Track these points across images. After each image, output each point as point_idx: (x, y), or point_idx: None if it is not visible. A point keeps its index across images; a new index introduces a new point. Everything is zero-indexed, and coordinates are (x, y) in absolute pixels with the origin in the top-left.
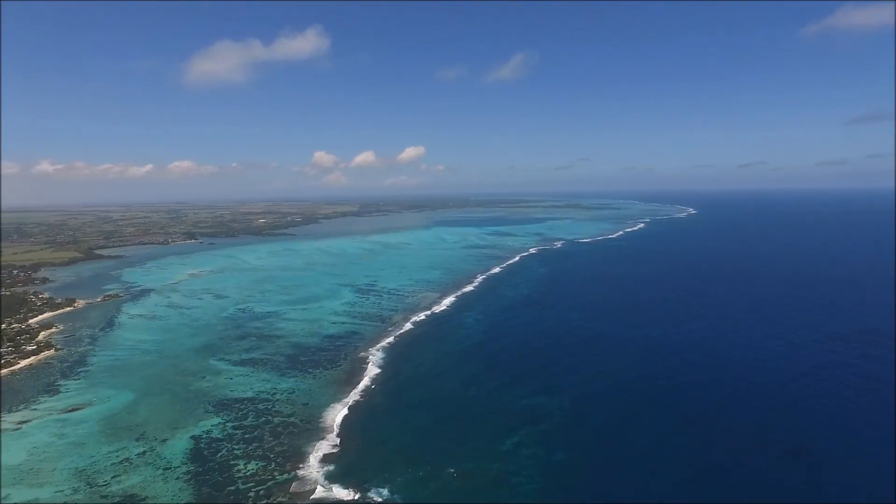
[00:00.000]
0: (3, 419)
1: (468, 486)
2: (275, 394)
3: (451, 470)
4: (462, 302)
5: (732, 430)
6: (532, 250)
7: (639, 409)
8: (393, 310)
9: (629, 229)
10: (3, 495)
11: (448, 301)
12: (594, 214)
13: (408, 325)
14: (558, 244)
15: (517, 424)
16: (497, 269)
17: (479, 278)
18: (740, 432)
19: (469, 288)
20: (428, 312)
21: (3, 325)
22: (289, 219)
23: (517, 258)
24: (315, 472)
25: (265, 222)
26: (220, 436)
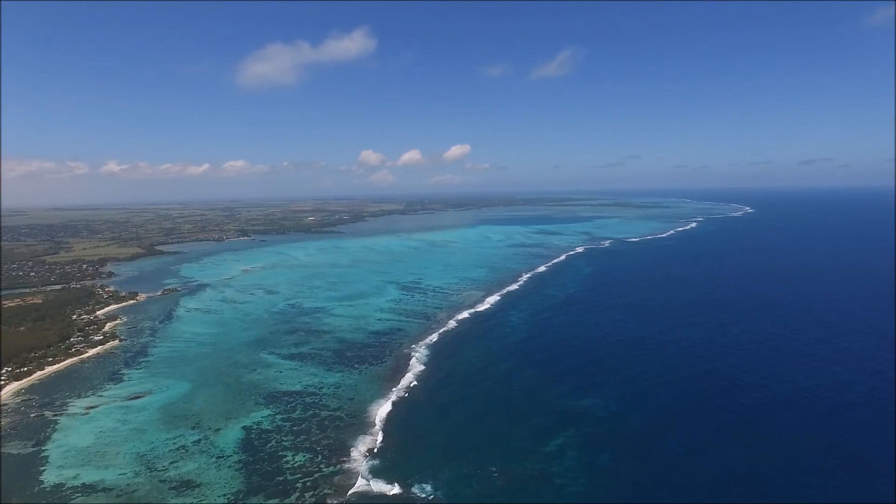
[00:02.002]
0: (73, 404)
1: (511, 486)
2: (322, 388)
3: (494, 469)
4: (506, 300)
5: (778, 437)
6: (579, 249)
7: (683, 411)
8: (437, 307)
9: (680, 228)
10: (73, 475)
11: (492, 299)
12: (643, 213)
13: (452, 323)
14: (606, 243)
15: (561, 425)
16: (542, 268)
17: (524, 277)
18: (786, 439)
19: (514, 286)
20: (472, 310)
21: (74, 316)
22: (337, 217)
23: (563, 257)
24: (360, 466)
25: (314, 220)
26: (269, 427)
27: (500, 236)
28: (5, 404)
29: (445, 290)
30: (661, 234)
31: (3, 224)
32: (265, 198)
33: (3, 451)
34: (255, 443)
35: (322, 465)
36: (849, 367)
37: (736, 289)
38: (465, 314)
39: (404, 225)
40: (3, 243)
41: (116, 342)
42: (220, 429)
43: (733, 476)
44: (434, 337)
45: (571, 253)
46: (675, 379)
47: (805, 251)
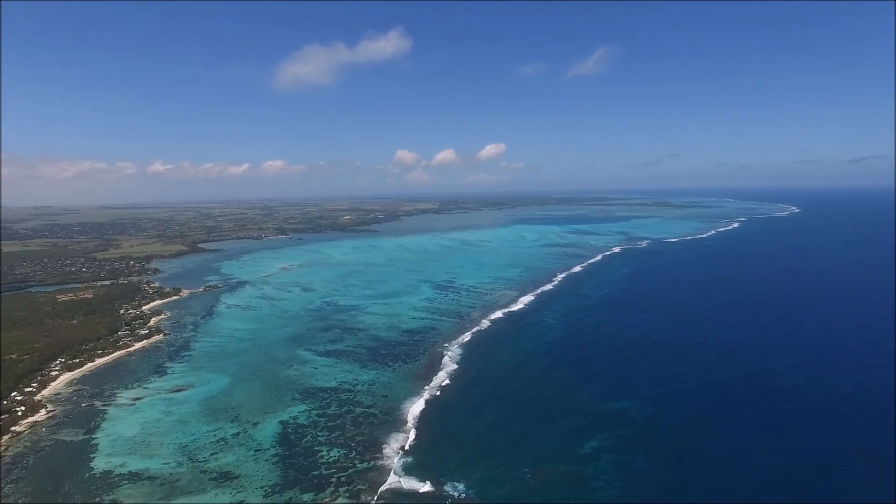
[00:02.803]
0: (120, 395)
1: (544, 487)
2: (356, 385)
3: (527, 469)
4: (540, 300)
5: (819, 443)
6: (615, 249)
7: (721, 414)
8: (471, 307)
9: (721, 229)
10: (120, 463)
11: (526, 299)
12: (683, 213)
13: (485, 323)
14: (643, 243)
15: (595, 427)
16: (577, 268)
17: (559, 277)
18: (828, 445)
19: (548, 287)
20: (506, 310)
21: (121, 311)
22: (372, 216)
23: (599, 257)
24: (393, 463)
25: (350, 219)
26: (305, 422)
27: (534, 236)
28: (59, 393)
29: (479, 290)
30: (702, 234)
31: (58, 222)
32: (302, 197)
33: (57, 437)
34: (292, 437)
35: (356, 461)
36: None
37: (779, 291)
38: (498, 314)
39: (438, 224)
40: (57, 240)
41: (161, 336)
42: (257, 423)
43: (772, 481)
44: (467, 336)
45: (608, 253)
46: (713, 381)
47: (854, 253)
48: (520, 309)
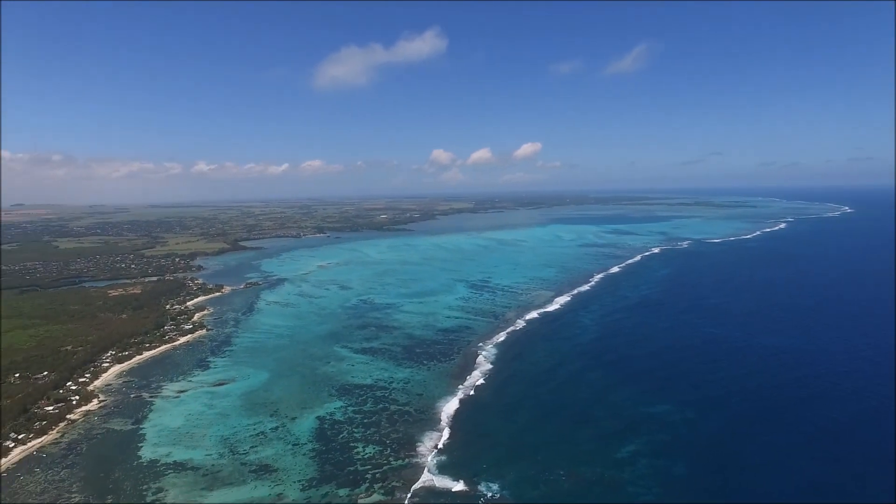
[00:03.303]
0: (166, 387)
1: (580, 490)
2: (391, 382)
3: (562, 471)
4: (577, 301)
5: (870, 454)
6: (654, 250)
7: (764, 421)
8: (506, 306)
9: (767, 229)
10: (165, 453)
11: (562, 300)
12: (727, 213)
13: (521, 323)
14: (684, 244)
15: (632, 430)
16: (616, 269)
17: (596, 277)
18: (880, 457)
19: (585, 287)
20: (541, 310)
21: (167, 306)
22: (408, 215)
23: (638, 258)
24: (427, 461)
25: (386, 218)
26: (341, 418)
27: (571, 236)
28: (110, 384)
29: (514, 290)
30: (746, 234)
31: (109, 220)
32: (340, 196)
33: (108, 426)
34: (328, 433)
35: (390, 458)
36: None
37: (828, 294)
38: (534, 314)
39: (474, 223)
40: (109, 237)
41: (204, 331)
42: (295, 417)
43: (818, 492)
44: (502, 336)
45: (647, 254)
46: (755, 386)
47: None
48: (556, 309)
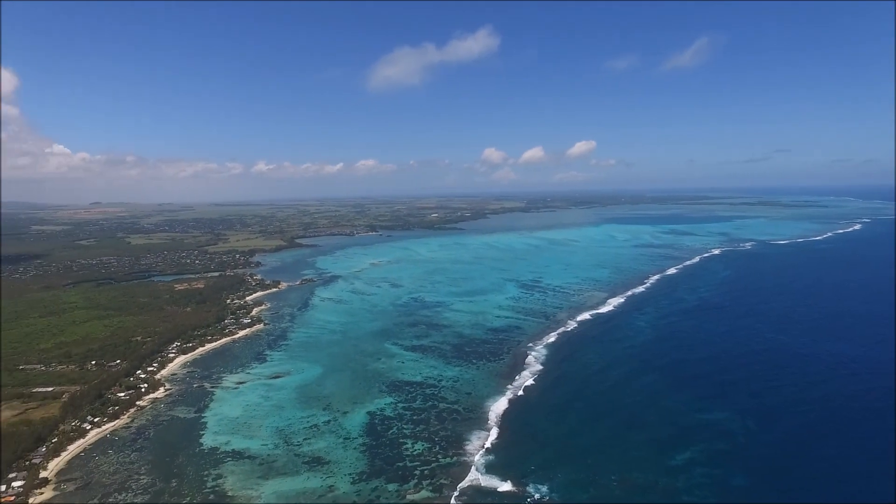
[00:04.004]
0: (226, 378)
1: (631, 497)
2: (441, 380)
3: (613, 476)
4: (631, 303)
5: None
6: (714, 251)
7: (831, 434)
8: (557, 307)
9: (840, 230)
10: (225, 441)
11: (616, 301)
12: (794, 213)
13: (572, 324)
14: (747, 245)
15: (689, 438)
16: (672, 271)
17: (652, 279)
18: None
19: (640, 289)
20: (593, 312)
21: (228, 301)
22: (459, 214)
23: (696, 259)
24: (475, 460)
25: (437, 217)
26: (391, 414)
27: (626, 236)
28: (175, 374)
29: (566, 290)
30: (816, 236)
31: (176, 217)
32: (392, 195)
33: (173, 413)
34: (378, 428)
35: (439, 456)
36: None
37: None
38: (585, 315)
39: (525, 222)
40: (175, 234)
41: (261, 326)
42: (347, 412)
43: None
44: (552, 337)
45: (706, 255)
46: (821, 396)
47: None
48: (608, 311)
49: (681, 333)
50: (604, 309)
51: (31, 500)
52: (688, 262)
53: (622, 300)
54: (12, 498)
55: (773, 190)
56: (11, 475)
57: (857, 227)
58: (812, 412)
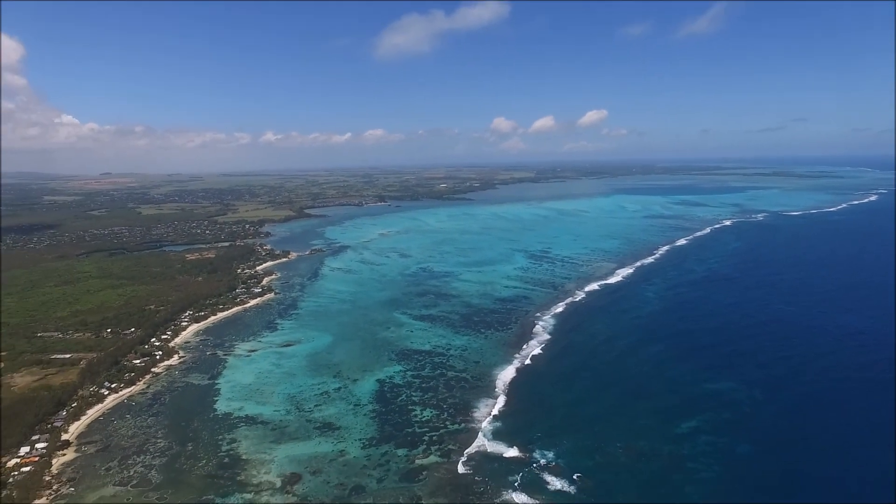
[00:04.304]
0: (238, 346)
1: (636, 464)
2: (449, 349)
3: (619, 445)
4: (640, 274)
5: None
6: (726, 222)
7: (837, 404)
8: (565, 277)
9: (855, 202)
10: (238, 407)
11: (625, 272)
12: (809, 184)
13: (580, 294)
14: (759, 216)
15: (694, 407)
16: (683, 241)
17: (662, 250)
18: None
19: (649, 260)
20: (602, 282)
21: (238, 270)
22: (467, 184)
23: (707, 230)
24: (483, 427)
25: (446, 187)
26: (400, 382)
27: (636, 206)
28: (188, 342)
29: (574, 261)
30: (830, 207)
31: (185, 188)
32: (401, 165)
33: (187, 380)
34: (388, 395)
35: (448, 422)
36: None
37: None
38: (594, 285)
39: (535, 193)
40: (185, 204)
41: (272, 295)
42: (357, 379)
43: (887, 483)
44: (560, 307)
45: (717, 226)
46: (827, 368)
47: None
48: (617, 281)
49: (689, 304)
50: (612, 279)
51: (53, 461)
52: (698, 233)
53: (631, 271)
54: (36, 459)
55: (788, 160)
56: (34, 437)
57: (873, 198)
58: (818, 383)
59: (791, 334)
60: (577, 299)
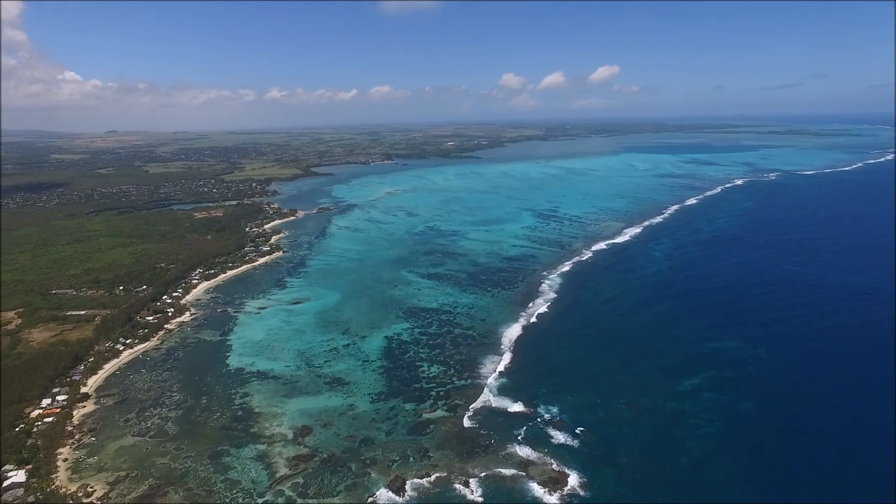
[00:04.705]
0: (248, 304)
1: (640, 419)
2: (456, 307)
3: (622, 401)
4: (647, 233)
5: None
6: (737, 181)
7: (837, 363)
8: (573, 237)
9: (871, 161)
10: (250, 362)
11: (633, 231)
12: (825, 142)
13: (587, 253)
14: (771, 176)
15: (699, 366)
16: (692, 201)
17: (671, 209)
18: None
19: (658, 219)
20: (609, 241)
21: (246, 229)
22: (475, 142)
23: (718, 189)
24: (489, 383)
25: (453, 145)
26: (408, 339)
27: (646, 165)
28: (199, 299)
29: (582, 220)
30: (845, 166)
31: (191, 146)
32: (407, 122)
33: (199, 336)
34: (396, 352)
35: (454, 378)
36: None
37: None
38: (601, 245)
39: (543, 151)
40: (192, 162)
41: (280, 253)
42: (365, 336)
43: (889, 442)
44: (567, 266)
45: (728, 185)
46: (831, 327)
47: None
48: (624, 241)
49: (695, 264)
50: (620, 239)
51: (74, 413)
52: (708, 193)
53: (639, 230)
54: (58, 410)
55: (804, 118)
56: (55, 390)
57: (890, 157)
58: (820, 342)
59: (796, 294)
60: (584, 258)
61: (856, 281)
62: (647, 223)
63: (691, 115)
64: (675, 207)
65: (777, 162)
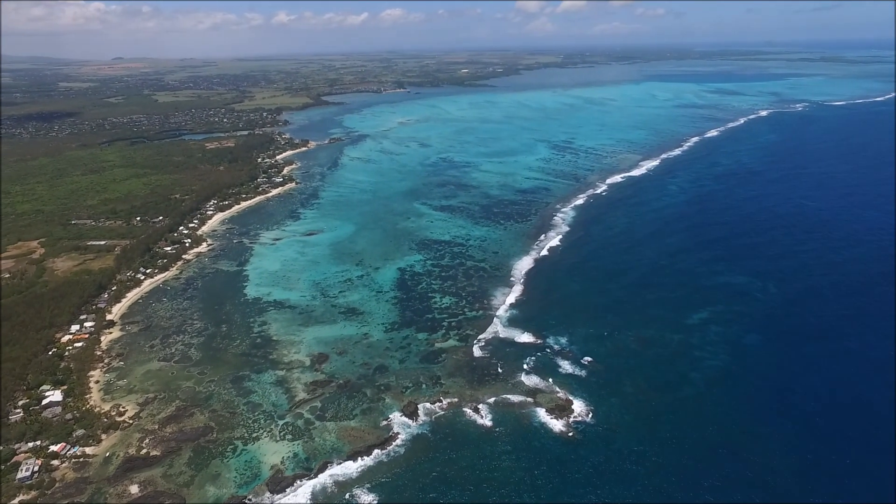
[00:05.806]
0: (263, 235)
1: (645, 352)
2: (468, 240)
3: (630, 333)
4: (666, 166)
5: None
6: (762, 113)
7: (848, 297)
8: (588, 169)
9: None
10: (266, 292)
11: (650, 164)
12: (858, 70)
13: (602, 187)
14: (798, 106)
15: (708, 300)
16: (714, 133)
17: (691, 142)
18: None
19: (676, 152)
20: (625, 174)
21: (259, 160)
22: (490, 69)
23: (741, 121)
24: (499, 314)
25: (467, 72)
26: (420, 271)
27: (667, 95)
28: (215, 230)
29: (599, 152)
30: (878, 96)
31: (200, 73)
32: (420, 49)
33: (217, 266)
34: (409, 283)
35: (466, 309)
36: None
37: None
38: (617, 178)
39: (560, 79)
40: (201, 91)
41: (293, 185)
42: (379, 267)
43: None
44: (581, 199)
45: (753, 116)
46: (840, 261)
47: None
48: (641, 174)
49: (710, 197)
50: (636, 172)
51: (102, 339)
52: (731, 125)
53: (656, 163)
54: (86, 336)
55: (840, 44)
56: (82, 317)
57: None
58: (828, 275)
59: (808, 227)
60: (599, 191)
61: (870, 215)
62: (664, 156)
63: (719, 42)
64: (695, 140)
65: (806, 92)
